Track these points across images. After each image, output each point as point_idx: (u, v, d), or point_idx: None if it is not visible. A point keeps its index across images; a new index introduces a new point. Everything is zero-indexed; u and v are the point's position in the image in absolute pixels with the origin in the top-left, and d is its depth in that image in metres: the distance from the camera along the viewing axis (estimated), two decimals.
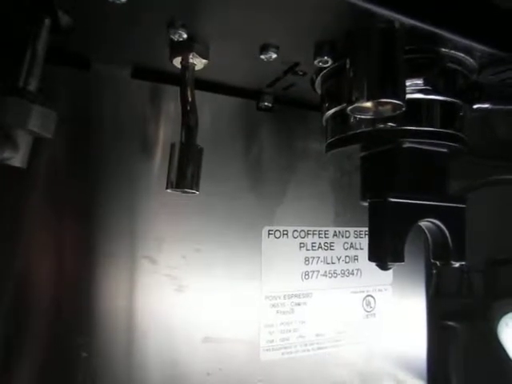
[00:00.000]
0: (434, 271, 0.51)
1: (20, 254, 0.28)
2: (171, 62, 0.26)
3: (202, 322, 0.32)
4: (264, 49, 0.25)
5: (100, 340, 0.29)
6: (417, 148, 0.25)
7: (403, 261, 0.24)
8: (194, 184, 0.26)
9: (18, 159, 0.22)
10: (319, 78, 0.29)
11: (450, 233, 0.25)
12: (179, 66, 0.26)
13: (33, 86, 0.23)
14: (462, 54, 0.24)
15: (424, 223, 0.26)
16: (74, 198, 0.29)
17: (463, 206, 0.26)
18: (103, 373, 0.29)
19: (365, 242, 0.39)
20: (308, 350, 0.36)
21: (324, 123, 0.29)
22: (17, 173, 0.23)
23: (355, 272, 0.39)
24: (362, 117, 0.23)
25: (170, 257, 0.32)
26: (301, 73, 0.29)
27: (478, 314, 0.52)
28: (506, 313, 0.48)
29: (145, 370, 0.30)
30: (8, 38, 0.25)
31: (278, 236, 0.36)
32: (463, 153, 0.26)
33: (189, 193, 0.26)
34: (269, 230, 0.35)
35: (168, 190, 0.26)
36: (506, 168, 0.53)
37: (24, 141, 0.23)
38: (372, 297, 0.40)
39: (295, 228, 0.36)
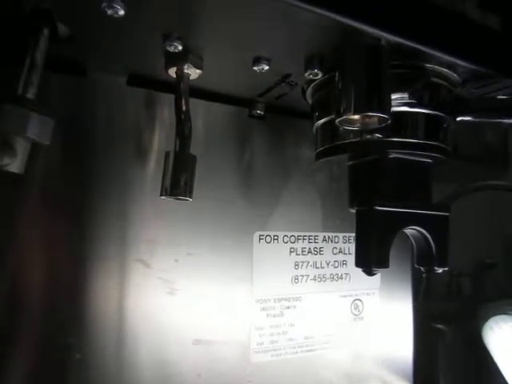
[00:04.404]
0: (424, 275, 0.51)
1: (12, 257, 0.28)
2: (166, 71, 0.27)
3: (194, 324, 0.33)
4: (256, 61, 0.26)
5: (93, 342, 0.30)
6: (402, 158, 0.26)
7: (388, 266, 0.25)
8: (188, 191, 0.26)
9: (15, 165, 0.23)
10: (310, 89, 0.29)
11: (433, 240, 0.26)
12: (174, 76, 0.27)
13: (31, 93, 0.23)
14: (446, 70, 0.25)
15: (409, 230, 0.27)
16: (69, 202, 0.30)
17: (446, 214, 0.27)
18: (96, 374, 0.30)
19: (353, 247, 0.39)
20: (297, 352, 0.37)
21: (314, 132, 0.30)
22: (11, 177, 0.23)
23: (344, 276, 0.40)
24: (350, 128, 0.24)
25: (162, 260, 0.32)
26: (292, 83, 0.30)
27: (466, 317, 0.53)
28: (490, 317, 0.49)
29: (136, 371, 0.31)
30: (8, 46, 0.26)
31: (268, 241, 0.36)
32: (446, 163, 0.28)
33: (182, 200, 0.27)
34: (260, 235, 0.36)
35: (162, 197, 0.27)
36: (495, 174, 0.55)
37: (22, 147, 0.23)
38: (360, 300, 0.40)
39: (285, 233, 0.37)
